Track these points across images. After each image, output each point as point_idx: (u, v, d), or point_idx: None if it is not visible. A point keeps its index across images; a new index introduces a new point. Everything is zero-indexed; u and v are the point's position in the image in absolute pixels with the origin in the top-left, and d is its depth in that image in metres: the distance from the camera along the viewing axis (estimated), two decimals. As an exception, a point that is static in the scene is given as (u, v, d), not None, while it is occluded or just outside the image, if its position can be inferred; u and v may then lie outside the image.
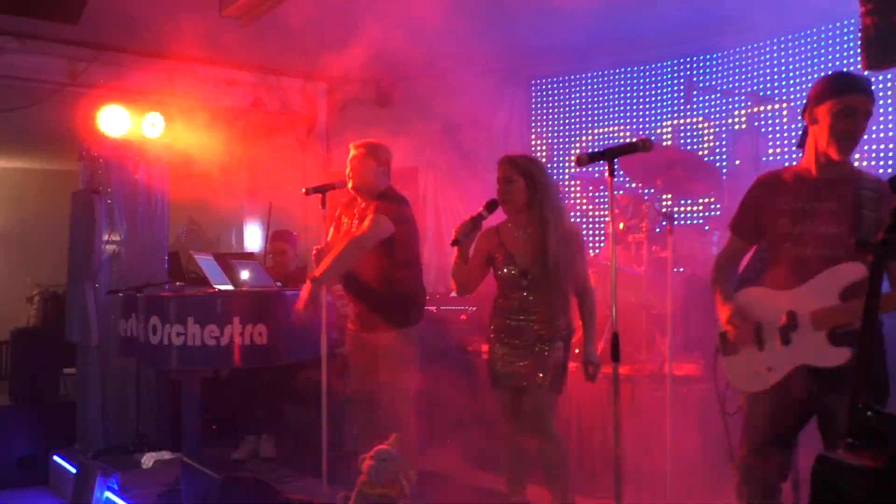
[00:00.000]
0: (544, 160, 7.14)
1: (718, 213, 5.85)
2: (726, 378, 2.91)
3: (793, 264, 2.74)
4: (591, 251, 6.13)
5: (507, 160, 3.59)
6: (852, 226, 2.64)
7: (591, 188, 6.53)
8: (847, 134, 2.71)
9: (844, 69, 5.25)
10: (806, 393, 2.69)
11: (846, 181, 2.72)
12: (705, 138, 6.17)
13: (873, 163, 5.04)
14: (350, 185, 4.21)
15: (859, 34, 3.33)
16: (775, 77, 5.68)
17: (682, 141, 6.24)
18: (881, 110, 5.07)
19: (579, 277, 3.58)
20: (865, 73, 4.74)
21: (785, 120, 5.52)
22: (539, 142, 7.19)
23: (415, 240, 4.24)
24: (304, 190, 4.32)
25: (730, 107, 6.02)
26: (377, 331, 4.12)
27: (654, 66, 6.49)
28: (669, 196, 5.99)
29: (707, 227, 5.49)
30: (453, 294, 6.06)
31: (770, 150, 5.59)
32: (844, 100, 2.71)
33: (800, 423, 2.79)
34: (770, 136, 5.63)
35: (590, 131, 6.89)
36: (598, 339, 3.59)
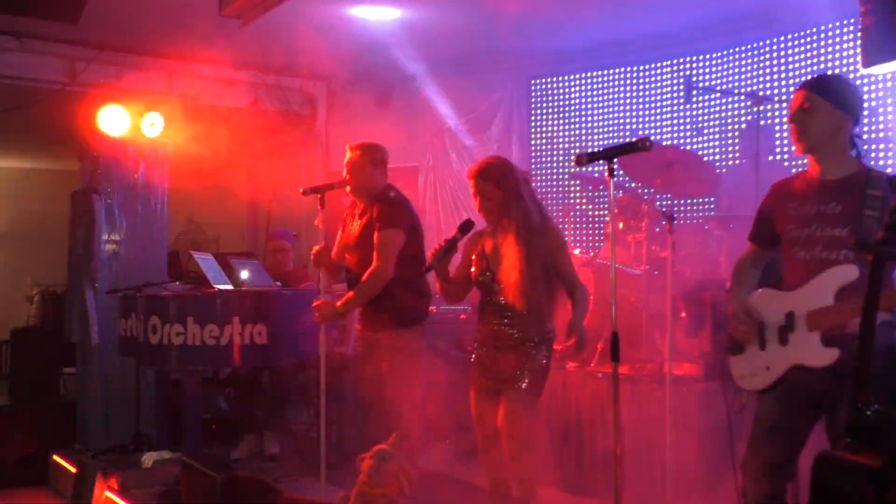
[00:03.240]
0: (544, 159, 7.16)
1: (718, 212, 5.85)
2: (733, 379, 2.95)
3: (801, 268, 2.77)
4: (590, 251, 6.13)
5: (477, 175, 3.52)
6: (856, 227, 2.65)
7: (590, 188, 6.54)
8: (792, 128, 2.78)
9: (844, 69, 5.27)
10: (814, 392, 2.71)
11: (853, 182, 2.72)
12: (705, 138, 6.17)
13: (873, 162, 5.04)
14: (348, 187, 4.19)
15: (859, 34, 3.33)
16: (775, 77, 5.68)
17: (681, 141, 6.24)
18: (881, 110, 5.07)
19: (567, 276, 3.51)
20: (864, 71, 4.77)
21: (785, 120, 5.52)
22: (539, 141, 7.19)
23: (419, 237, 4.24)
24: (301, 190, 4.32)
25: (729, 107, 6.02)
26: (383, 329, 4.10)
27: (653, 65, 6.49)
28: (669, 196, 5.99)
29: (707, 227, 5.49)
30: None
31: (770, 151, 5.59)
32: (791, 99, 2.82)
33: (808, 420, 2.79)
34: (770, 137, 5.63)
35: (589, 131, 6.88)
36: (583, 321, 3.43)
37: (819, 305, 2.65)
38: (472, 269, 3.62)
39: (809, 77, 2.93)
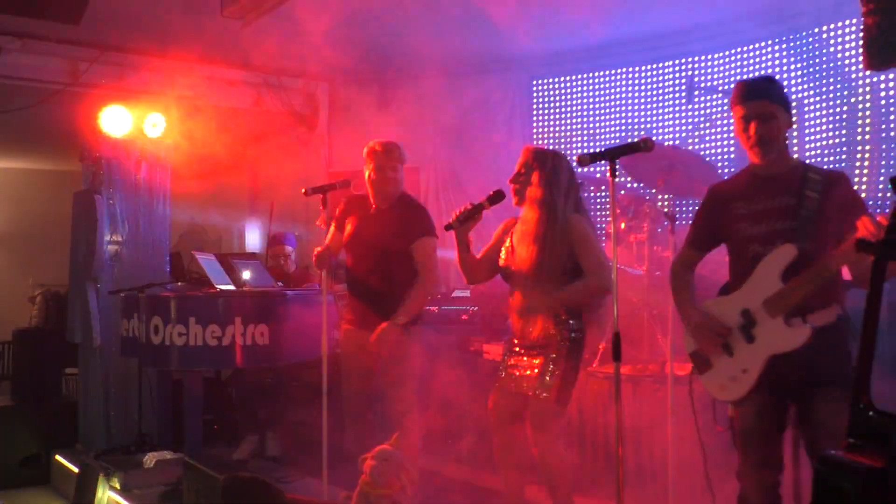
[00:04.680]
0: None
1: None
2: (707, 397, 3.01)
3: (753, 264, 2.80)
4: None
5: (528, 150, 3.55)
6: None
7: (592, 188, 6.54)
8: (754, 140, 2.81)
9: (846, 70, 5.26)
10: (787, 387, 2.75)
11: (792, 174, 2.80)
12: (706, 138, 6.17)
13: (874, 162, 5.04)
14: (373, 185, 4.10)
15: (861, 34, 3.32)
16: (777, 77, 5.67)
17: (683, 141, 6.23)
18: (882, 111, 5.06)
19: (587, 266, 3.41)
20: (867, 72, 4.75)
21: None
22: (541, 142, 7.19)
23: None
24: (303, 190, 4.29)
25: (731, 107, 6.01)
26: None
27: (655, 66, 6.49)
28: (671, 196, 5.97)
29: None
30: (456, 293, 6.06)
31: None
32: (738, 110, 2.87)
33: (781, 413, 2.81)
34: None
35: (591, 131, 6.88)
36: (568, 294, 3.38)
37: (770, 292, 2.69)
38: (502, 257, 3.58)
39: (748, 84, 2.93)
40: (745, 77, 3.30)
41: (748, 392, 2.78)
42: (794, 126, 2.91)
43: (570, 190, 3.50)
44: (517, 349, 3.53)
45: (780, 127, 2.81)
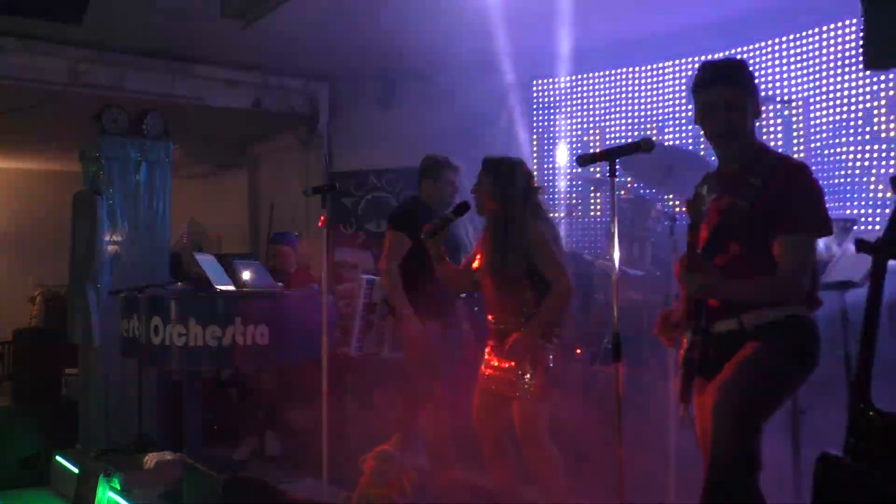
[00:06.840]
0: (543, 160, 7.15)
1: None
2: None
3: None
4: (592, 252, 6.13)
5: (483, 162, 3.61)
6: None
7: (592, 188, 6.54)
8: (714, 132, 2.66)
9: (845, 69, 5.25)
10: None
11: (742, 171, 2.59)
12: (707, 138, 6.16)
13: (875, 163, 5.03)
14: (444, 198, 4.42)
15: (860, 34, 3.33)
16: (777, 77, 5.67)
17: (683, 141, 6.23)
18: (883, 110, 5.05)
19: (544, 273, 3.41)
20: (867, 72, 4.74)
21: (787, 120, 5.51)
22: (541, 142, 7.19)
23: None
24: (303, 191, 4.29)
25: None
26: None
27: (655, 66, 6.48)
28: (671, 196, 5.98)
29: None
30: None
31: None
32: (702, 96, 2.71)
33: None
34: (772, 136, 5.62)
35: (591, 132, 6.88)
36: (540, 327, 3.37)
37: None
38: (475, 264, 3.62)
39: (713, 68, 2.81)
40: (709, 59, 3.01)
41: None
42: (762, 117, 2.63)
43: (526, 197, 3.50)
44: (494, 349, 3.55)
45: (747, 117, 2.63)
